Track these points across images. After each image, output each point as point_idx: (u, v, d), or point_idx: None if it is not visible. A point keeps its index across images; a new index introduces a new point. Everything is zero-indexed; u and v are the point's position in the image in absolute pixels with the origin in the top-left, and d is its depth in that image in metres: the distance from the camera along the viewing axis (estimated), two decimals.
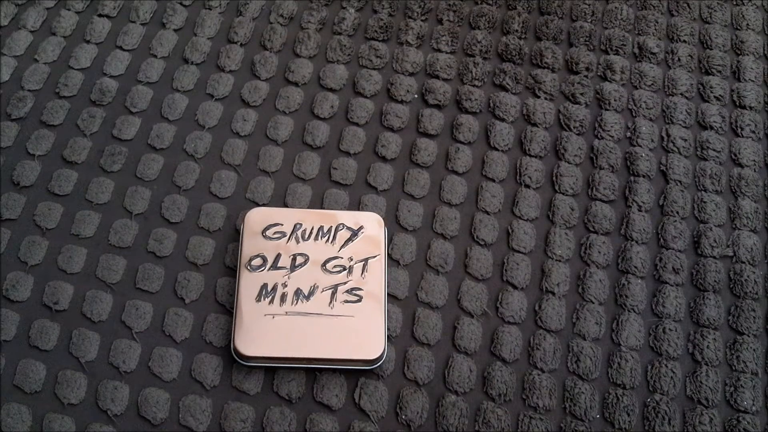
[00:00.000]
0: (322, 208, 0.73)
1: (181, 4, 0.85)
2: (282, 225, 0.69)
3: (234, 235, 0.71)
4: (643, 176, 0.76)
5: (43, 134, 0.75)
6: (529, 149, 0.77)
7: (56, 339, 0.65)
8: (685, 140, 0.78)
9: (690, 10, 0.87)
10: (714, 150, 0.77)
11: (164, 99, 0.78)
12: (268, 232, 0.68)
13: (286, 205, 0.73)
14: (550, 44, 0.84)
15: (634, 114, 0.80)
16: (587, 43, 0.84)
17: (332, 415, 0.63)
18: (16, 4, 0.84)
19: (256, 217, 0.69)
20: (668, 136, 0.78)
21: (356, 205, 0.73)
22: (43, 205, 0.71)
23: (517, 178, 0.75)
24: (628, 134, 0.78)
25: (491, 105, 0.80)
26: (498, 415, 0.63)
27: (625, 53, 0.84)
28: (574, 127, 0.78)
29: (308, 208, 0.73)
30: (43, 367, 0.63)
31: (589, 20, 0.86)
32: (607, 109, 0.80)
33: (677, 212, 0.74)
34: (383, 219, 0.71)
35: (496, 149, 0.77)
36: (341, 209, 0.73)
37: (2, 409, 0.62)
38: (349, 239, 0.68)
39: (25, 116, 0.76)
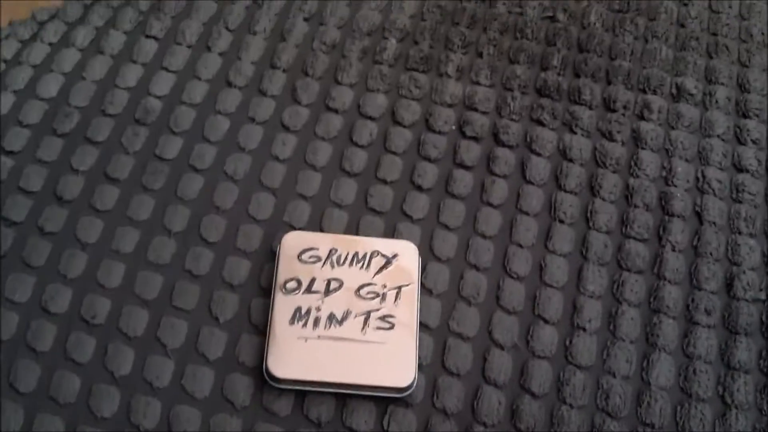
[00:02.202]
0: (357, 234, 0.74)
1: (226, 28, 0.87)
2: (317, 249, 0.69)
3: (270, 256, 0.72)
4: (678, 216, 0.76)
5: (87, 150, 0.77)
6: (564, 185, 0.77)
7: (92, 352, 0.66)
8: (720, 182, 0.78)
9: (729, 53, 0.88)
10: (749, 193, 0.78)
11: (206, 120, 0.80)
12: (304, 256, 0.69)
13: (321, 230, 0.73)
14: (588, 81, 0.85)
15: (670, 154, 0.80)
16: (625, 81, 0.85)
17: None
18: (66, 22, 0.86)
19: (293, 241, 0.70)
20: (704, 177, 0.78)
21: (391, 233, 0.74)
22: (85, 219, 0.72)
23: (552, 212, 0.76)
24: (664, 174, 0.79)
25: (528, 139, 0.80)
26: None
27: (662, 93, 0.84)
28: (609, 165, 0.79)
29: (344, 233, 0.73)
30: (77, 379, 0.64)
31: (628, 59, 0.87)
32: (644, 148, 0.80)
33: (711, 254, 0.74)
34: (417, 247, 0.72)
35: (532, 183, 0.77)
36: (376, 236, 0.73)
37: (35, 420, 0.62)
38: (384, 266, 0.69)
39: (70, 132, 0.78)
